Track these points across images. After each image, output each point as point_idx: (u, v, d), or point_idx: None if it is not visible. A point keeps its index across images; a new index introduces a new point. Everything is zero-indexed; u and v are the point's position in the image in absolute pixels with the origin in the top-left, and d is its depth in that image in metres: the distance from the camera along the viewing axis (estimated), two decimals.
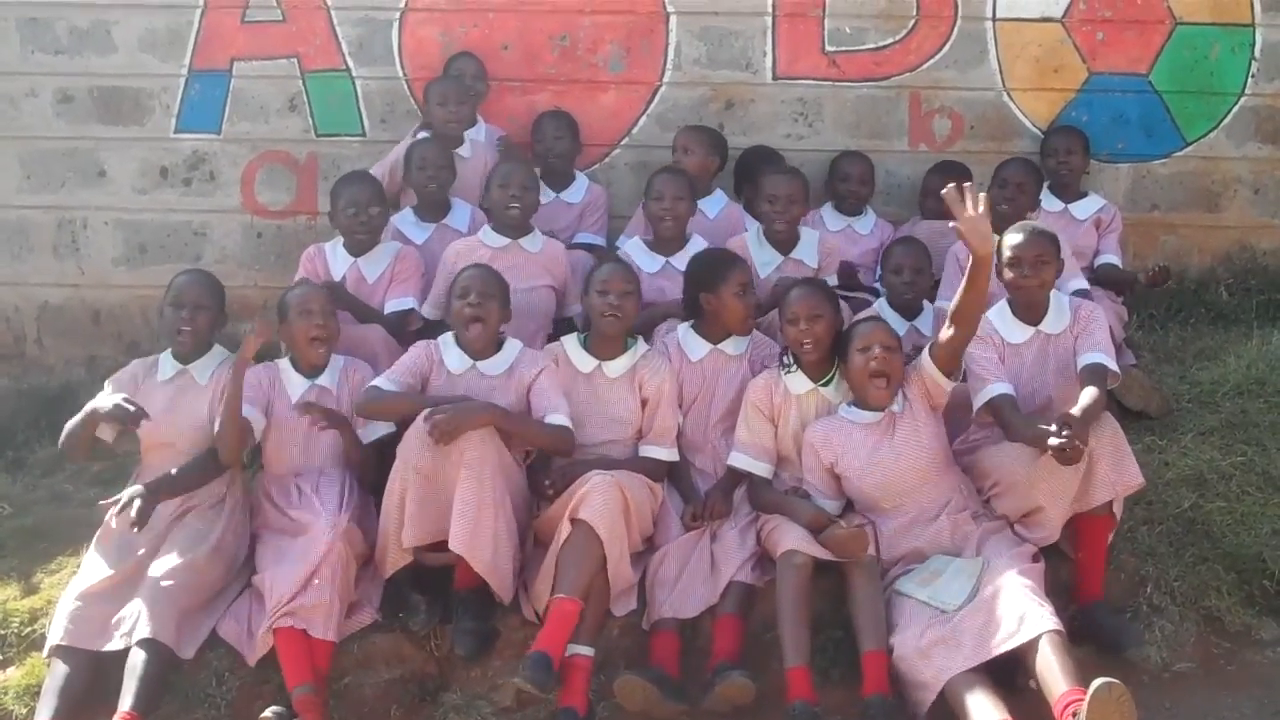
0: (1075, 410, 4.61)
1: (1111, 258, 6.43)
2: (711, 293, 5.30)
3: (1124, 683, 4.01)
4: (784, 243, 5.97)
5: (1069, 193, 6.52)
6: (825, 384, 5.14)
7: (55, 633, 4.78)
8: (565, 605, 4.62)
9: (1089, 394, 4.73)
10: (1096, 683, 3.95)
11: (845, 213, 6.54)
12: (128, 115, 7.00)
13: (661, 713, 4.59)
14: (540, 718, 4.70)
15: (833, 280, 5.88)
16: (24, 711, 4.77)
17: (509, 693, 4.71)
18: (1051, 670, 4.16)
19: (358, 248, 5.85)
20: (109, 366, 5.54)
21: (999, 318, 5.11)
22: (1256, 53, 6.92)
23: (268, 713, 4.58)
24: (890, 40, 6.93)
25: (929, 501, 4.93)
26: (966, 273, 4.68)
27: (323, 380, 5.28)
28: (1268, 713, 4.59)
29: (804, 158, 6.69)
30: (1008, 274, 5.05)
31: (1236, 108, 6.96)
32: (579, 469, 5.00)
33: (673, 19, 6.94)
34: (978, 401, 4.97)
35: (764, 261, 5.91)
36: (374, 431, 5.23)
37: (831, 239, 6.19)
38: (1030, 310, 5.11)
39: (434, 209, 6.19)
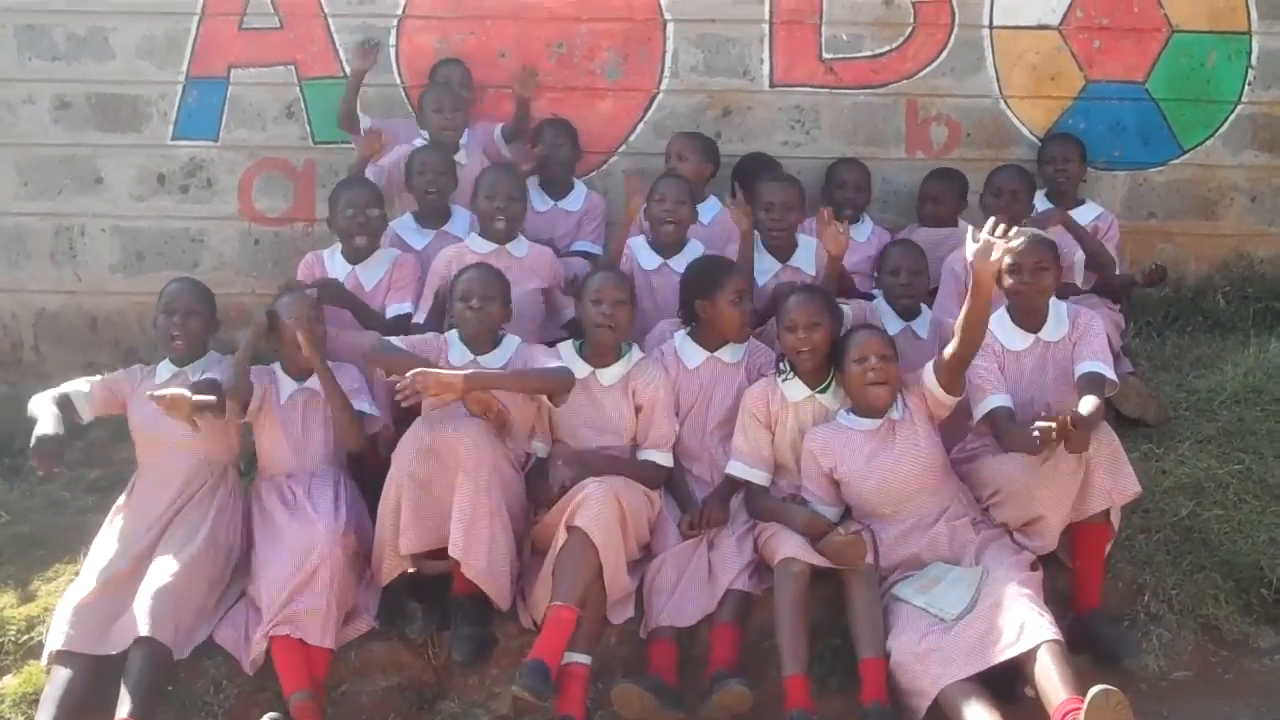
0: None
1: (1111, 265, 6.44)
2: (707, 300, 5.31)
3: (1122, 691, 4.01)
4: (782, 250, 5.99)
5: (1066, 200, 6.52)
6: (822, 391, 5.14)
7: (55, 638, 4.78)
8: (562, 613, 4.62)
9: (1088, 403, 4.72)
10: (1094, 691, 3.96)
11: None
12: (125, 122, 7.00)
13: None
14: None
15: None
16: (21, 719, 4.76)
17: (507, 701, 4.71)
18: (1050, 679, 4.16)
19: (355, 253, 5.87)
20: (106, 373, 5.53)
21: (999, 325, 5.11)
22: (1253, 61, 6.93)
23: (265, 719, 4.58)
24: (887, 48, 6.93)
25: (928, 508, 4.94)
26: (969, 292, 4.69)
27: (310, 382, 5.30)
28: None
29: (801, 165, 6.69)
30: (1007, 280, 5.05)
31: (1233, 115, 6.96)
32: (580, 472, 5.00)
33: (670, 26, 6.95)
34: (978, 413, 4.98)
35: (762, 269, 5.93)
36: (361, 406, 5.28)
37: None
38: (1029, 317, 5.12)
39: (434, 215, 6.20)
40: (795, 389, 5.14)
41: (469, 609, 4.92)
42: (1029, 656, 4.26)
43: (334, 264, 5.92)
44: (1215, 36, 6.91)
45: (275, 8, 6.92)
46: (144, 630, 4.70)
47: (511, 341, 5.29)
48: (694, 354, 5.38)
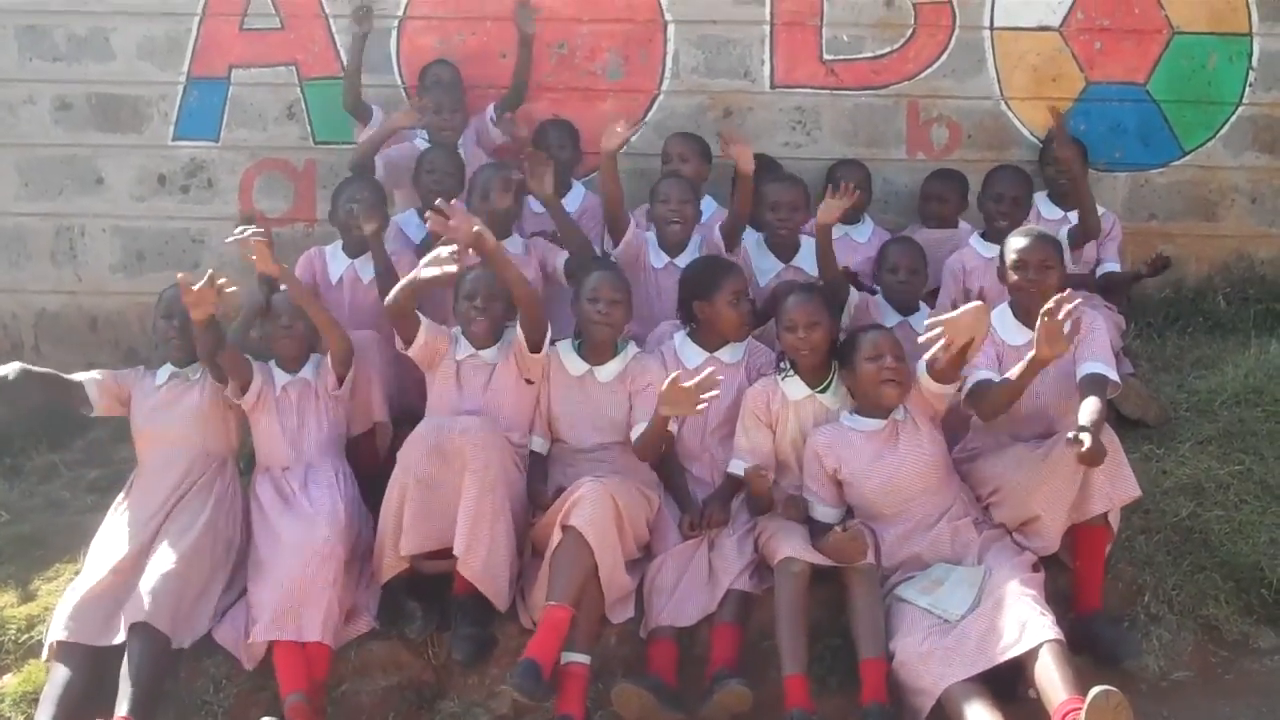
0: (1084, 423, 4.60)
1: (1113, 265, 6.43)
2: (705, 300, 5.32)
3: (1122, 691, 4.00)
4: (785, 250, 6.01)
5: (1068, 201, 6.49)
6: (822, 390, 5.15)
7: (56, 630, 4.81)
8: (556, 612, 4.62)
9: (1090, 404, 4.71)
10: (1094, 691, 3.95)
11: (843, 221, 6.50)
12: (126, 123, 7.01)
13: None
14: None
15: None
16: (21, 719, 4.76)
17: (506, 700, 4.71)
18: (1051, 679, 4.16)
19: (355, 247, 5.89)
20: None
21: (1000, 320, 5.10)
22: (1254, 62, 6.92)
23: None
24: (888, 49, 6.93)
25: (930, 508, 4.94)
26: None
27: (305, 372, 5.38)
28: None
29: (802, 166, 6.67)
30: (1012, 277, 5.06)
31: (1234, 117, 6.95)
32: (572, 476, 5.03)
33: (671, 27, 6.95)
34: (965, 388, 4.99)
35: (765, 269, 5.96)
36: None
37: None
38: (1031, 315, 5.11)
39: None
40: (795, 388, 5.14)
41: (469, 609, 4.92)
42: (1030, 656, 4.26)
43: (334, 258, 6.00)
44: (1216, 38, 6.90)
45: (276, 8, 6.93)
46: (142, 616, 4.73)
47: (511, 334, 5.31)
48: (693, 355, 5.38)
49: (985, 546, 4.82)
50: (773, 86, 6.97)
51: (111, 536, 5.11)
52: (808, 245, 6.01)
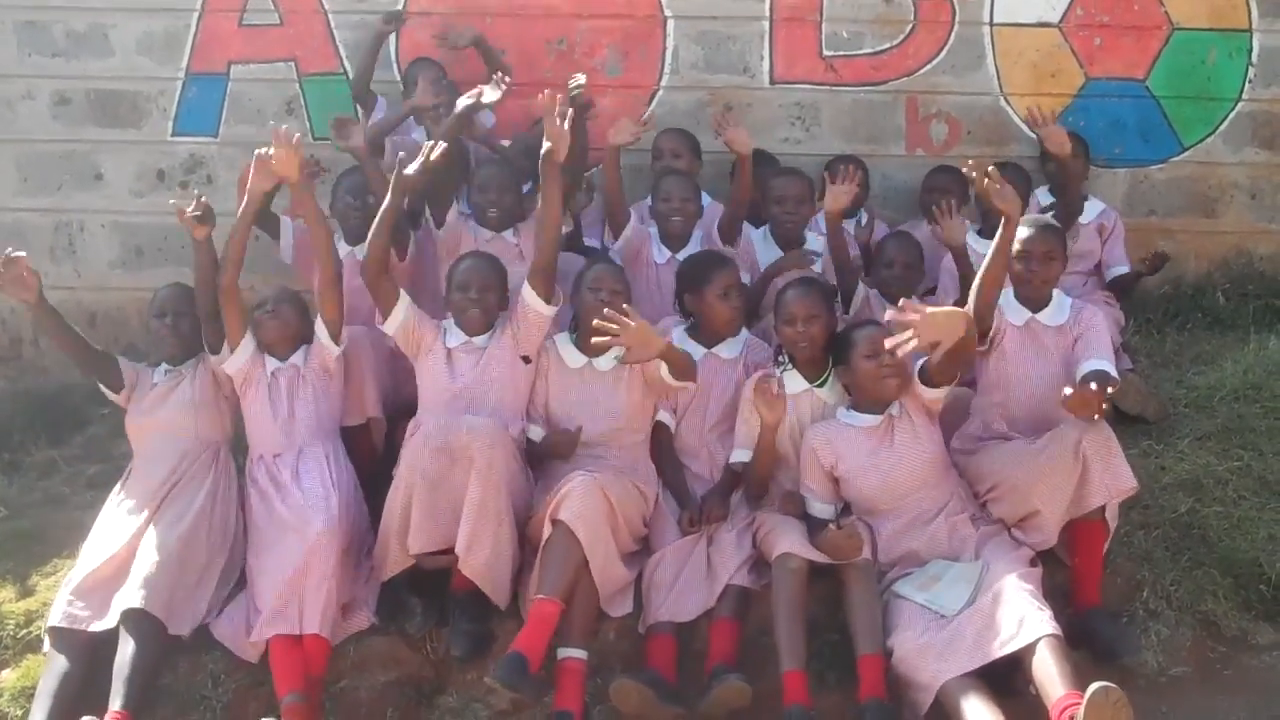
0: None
1: (1123, 268, 6.48)
2: (695, 294, 5.32)
3: (1120, 687, 4.00)
4: (791, 243, 6.02)
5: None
6: (820, 385, 5.15)
7: (54, 616, 4.85)
8: (544, 606, 4.62)
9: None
10: (1093, 687, 3.95)
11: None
12: (125, 118, 7.02)
13: (657, 716, 4.58)
14: None
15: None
16: (19, 714, 4.78)
17: (504, 696, 4.67)
18: (1049, 674, 4.16)
19: (354, 236, 5.91)
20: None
21: (1004, 302, 5.13)
22: (1254, 58, 6.93)
23: None
24: (887, 45, 6.94)
25: (928, 504, 4.94)
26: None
27: (295, 359, 5.38)
28: (1263, 717, 4.60)
29: (801, 162, 6.67)
30: (1016, 266, 5.08)
31: (1233, 113, 6.97)
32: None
33: (670, 23, 6.95)
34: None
35: (769, 261, 5.98)
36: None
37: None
38: (1033, 302, 5.15)
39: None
40: (794, 381, 5.15)
41: (468, 604, 4.92)
42: (1028, 651, 4.26)
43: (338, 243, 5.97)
44: (1216, 34, 6.91)
45: (275, 4, 6.94)
46: (136, 602, 4.76)
47: (500, 319, 5.34)
48: (692, 351, 5.37)
49: (982, 542, 4.82)
50: (772, 82, 6.98)
51: (108, 526, 5.14)
52: (813, 242, 6.05)
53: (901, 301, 4.59)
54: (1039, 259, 5.06)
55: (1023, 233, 5.07)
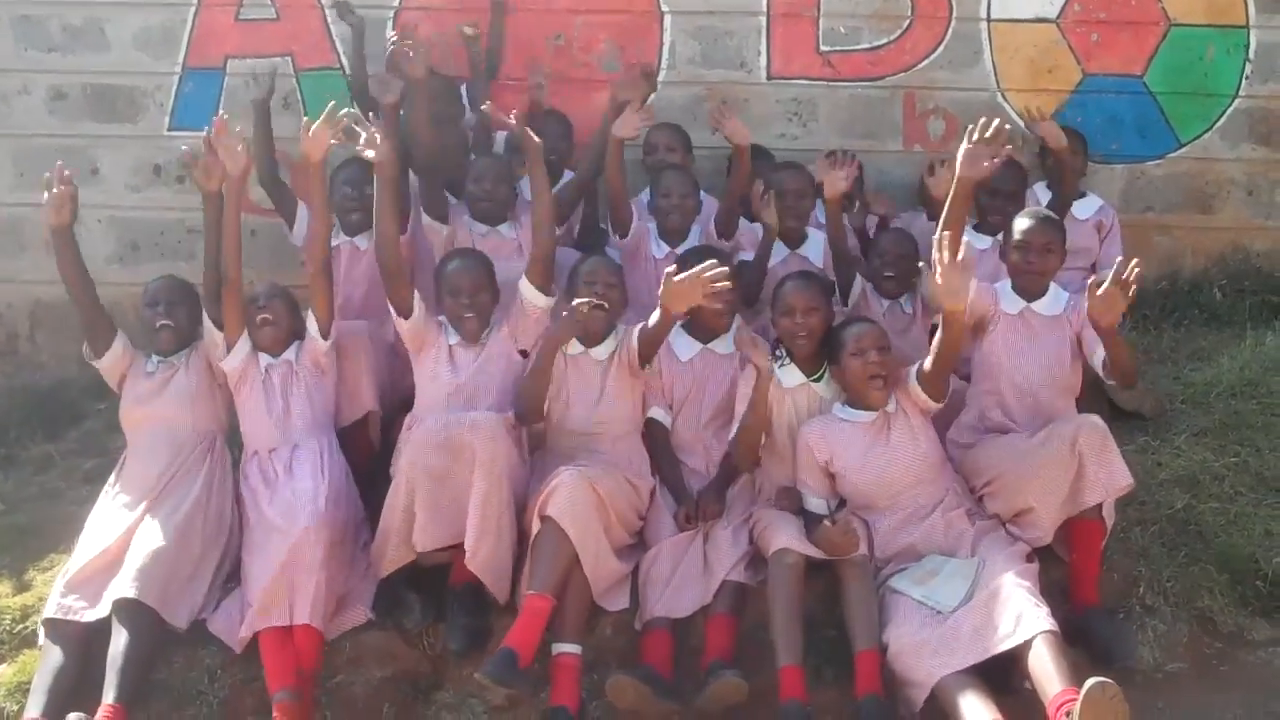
0: None
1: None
2: None
3: (1117, 683, 3.99)
4: (791, 237, 6.01)
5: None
6: (817, 379, 5.15)
7: (49, 608, 4.86)
8: (535, 602, 4.63)
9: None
10: (1090, 683, 3.95)
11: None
12: (121, 113, 7.00)
13: (654, 712, 4.58)
14: (533, 717, 4.69)
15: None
16: (15, 708, 4.77)
17: (500, 692, 4.70)
18: (1046, 671, 4.16)
19: (352, 228, 5.91)
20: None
21: (1001, 291, 5.19)
22: (1250, 54, 6.91)
23: None
24: (885, 40, 6.93)
25: (924, 499, 4.94)
26: (941, 325, 4.76)
27: (287, 354, 5.37)
28: (1259, 713, 4.60)
29: (797, 157, 6.61)
30: (1013, 257, 5.12)
31: (1230, 109, 6.95)
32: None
33: (667, 18, 6.94)
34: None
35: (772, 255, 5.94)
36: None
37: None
38: (1029, 292, 5.17)
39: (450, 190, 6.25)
40: (790, 375, 5.15)
41: (465, 599, 4.93)
42: (1025, 648, 4.26)
43: (336, 234, 5.96)
44: (1213, 30, 6.89)
45: None
46: (130, 592, 4.76)
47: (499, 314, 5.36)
48: (686, 346, 5.38)
49: (979, 538, 4.83)
50: (769, 78, 6.97)
51: (102, 519, 5.14)
52: (814, 237, 6.03)
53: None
54: (1037, 250, 5.09)
55: (1023, 224, 5.11)
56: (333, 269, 5.59)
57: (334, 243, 5.92)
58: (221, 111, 5.75)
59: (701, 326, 5.38)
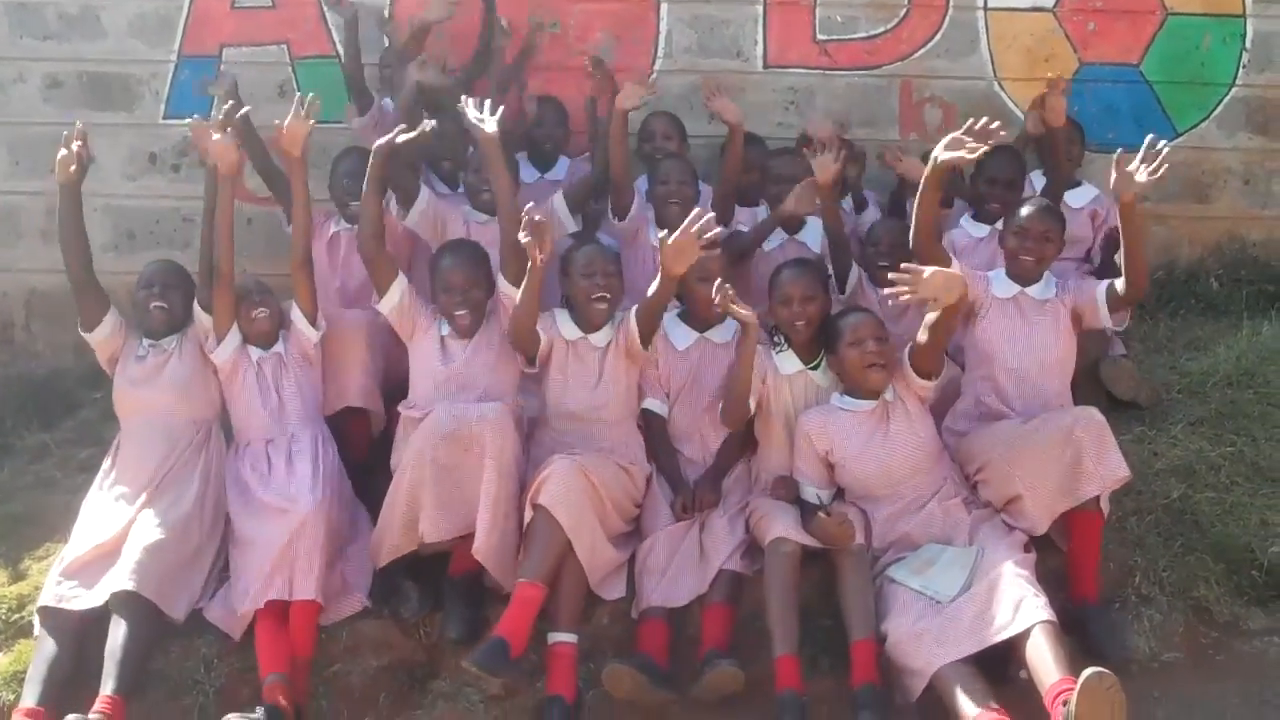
0: None
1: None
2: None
3: (1114, 673, 4.00)
4: (790, 222, 5.99)
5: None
6: (814, 367, 5.15)
7: (45, 596, 4.86)
8: (526, 590, 4.63)
9: None
10: (1086, 672, 3.96)
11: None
12: (117, 101, 6.98)
13: (650, 701, 4.59)
14: (529, 706, 4.69)
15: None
16: (11, 698, 4.76)
17: (495, 680, 4.70)
18: (1044, 660, 4.17)
19: (351, 219, 5.89)
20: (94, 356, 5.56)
21: (995, 277, 5.22)
22: (1247, 44, 6.92)
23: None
24: (881, 29, 6.92)
25: (921, 489, 4.95)
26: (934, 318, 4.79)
27: (277, 348, 5.37)
28: (1255, 702, 4.61)
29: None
30: (1011, 242, 5.14)
31: (1227, 98, 6.96)
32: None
33: (663, 7, 6.93)
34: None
35: (769, 241, 5.97)
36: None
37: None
38: (1025, 279, 5.20)
39: (444, 181, 6.28)
40: (788, 362, 5.15)
41: (462, 589, 4.93)
42: (1022, 637, 4.27)
43: (337, 221, 6.04)
44: (1210, 19, 6.90)
45: None
46: (130, 585, 4.75)
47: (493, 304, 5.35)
48: (683, 335, 5.37)
49: (976, 526, 4.83)
50: (766, 67, 6.96)
51: (100, 508, 5.13)
52: (813, 223, 6.01)
53: (903, 265, 4.62)
54: (1035, 237, 5.11)
55: (1024, 211, 5.13)
56: (330, 257, 5.60)
57: (334, 230, 5.97)
58: (211, 111, 5.77)
59: (698, 316, 5.37)
